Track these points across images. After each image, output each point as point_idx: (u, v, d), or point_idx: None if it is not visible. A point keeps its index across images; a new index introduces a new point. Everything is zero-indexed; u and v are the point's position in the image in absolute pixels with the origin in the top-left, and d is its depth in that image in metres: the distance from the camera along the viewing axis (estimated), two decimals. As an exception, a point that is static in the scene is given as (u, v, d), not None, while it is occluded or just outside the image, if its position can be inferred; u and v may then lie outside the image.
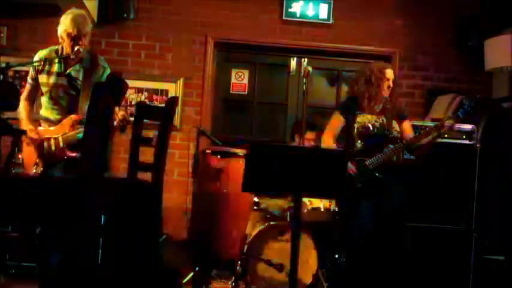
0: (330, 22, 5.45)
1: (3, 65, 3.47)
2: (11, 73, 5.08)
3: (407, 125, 4.04)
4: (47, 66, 3.60)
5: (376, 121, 3.95)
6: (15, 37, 5.18)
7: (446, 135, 4.04)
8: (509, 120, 4.67)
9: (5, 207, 2.15)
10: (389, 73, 3.99)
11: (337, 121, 4.05)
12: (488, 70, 5.01)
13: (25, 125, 3.61)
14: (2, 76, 3.27)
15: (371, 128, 3.93)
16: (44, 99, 3.67)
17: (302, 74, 5.09)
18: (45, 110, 3.67)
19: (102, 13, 5.14)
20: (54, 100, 3.62)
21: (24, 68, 5.05)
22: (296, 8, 5.43)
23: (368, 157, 3.87)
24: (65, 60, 3.59)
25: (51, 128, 3.60)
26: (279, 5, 5.44)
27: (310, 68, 3.70)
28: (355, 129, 3.95)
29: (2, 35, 4.94)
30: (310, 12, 5.43)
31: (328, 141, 4.02)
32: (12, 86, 3.86)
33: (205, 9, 5.40)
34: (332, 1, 5.43)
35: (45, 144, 3.54)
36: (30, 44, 5.16)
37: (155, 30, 5.37)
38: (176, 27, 5.38)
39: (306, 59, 5.65)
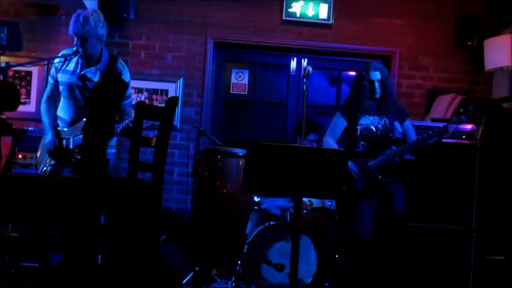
0: (330, 22, 5.44)
1: (3, 65, 3.47)
2: (11, 73, 5.08)
3: (409, 125, 4.03)
4: (65, 65, 3.59)
5: (378, 122, 3.93)
6: (15, 37, 5.17)
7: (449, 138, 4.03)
8: (509, 120, 4.67)
9: (5, 207, 2.15)
10: (375, 74, 3.94)
11: (339, 123, 4.04)
12: (488, 70, 5.01)
13: (48, 129, 3.59)
14: (1, 76, 3.26)
15: (374, 130, 3.92)
16: (61, 99, 3.67)
17: (302, 74, 5.09)
18: (61, 109, 3.66)
19: (102, 13, 5.13)
20: (69, 100, 3.60)
21: (24, 68, 5.08)
22: (296, 8, 5.42)
23: (371, 158, 3.87)
24: (82, 61, 3.57)
25: (65, 129, 3.59)
26: (279, 5, 5.43)
27: (310, 68, 3.70)
28: (358, 131, 3.93)
29: (2, 34, 4.93)
30: (310, 12, 5.42)
31: (329, 142, 4.00)
32: (12, 86, 3.86)
33: (205, 9, 5.39)
34: (332, 1, 5.42)
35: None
36: (30, 44, 5.17)
37: (155, 30, 5.36)
38: (176, 27, 5.38)
39: (306, 59, 5.65)
